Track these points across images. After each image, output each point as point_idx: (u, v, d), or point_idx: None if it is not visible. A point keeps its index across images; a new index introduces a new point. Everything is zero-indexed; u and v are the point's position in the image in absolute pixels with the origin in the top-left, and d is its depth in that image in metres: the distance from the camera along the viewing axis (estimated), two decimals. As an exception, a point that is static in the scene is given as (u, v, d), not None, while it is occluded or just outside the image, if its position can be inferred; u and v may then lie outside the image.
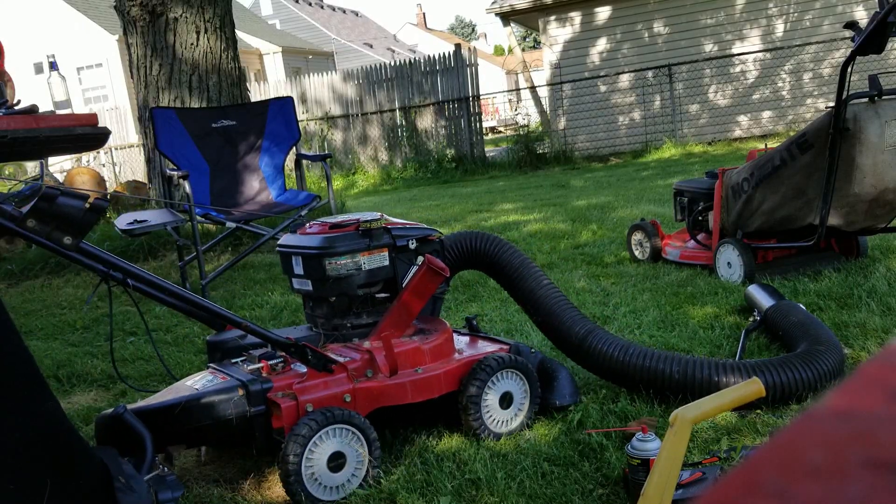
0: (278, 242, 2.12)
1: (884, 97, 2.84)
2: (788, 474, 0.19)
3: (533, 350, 2.15)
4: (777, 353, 2.31)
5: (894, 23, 2.61)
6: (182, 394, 1.77)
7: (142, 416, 1.71)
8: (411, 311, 1.94)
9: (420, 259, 2.01)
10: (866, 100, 2.84)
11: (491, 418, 1.94)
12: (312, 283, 1.99)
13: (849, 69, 2.79)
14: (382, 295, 2.05)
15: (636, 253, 3.88)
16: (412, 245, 2.04)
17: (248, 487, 1.82)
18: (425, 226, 2.13)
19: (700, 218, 3.59)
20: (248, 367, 1.85)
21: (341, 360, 1.84)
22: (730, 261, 3.27)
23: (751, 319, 2.59)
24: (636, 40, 11.54)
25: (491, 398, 1.93)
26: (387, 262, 2.00)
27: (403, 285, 1.98)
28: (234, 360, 1.93)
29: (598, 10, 11.62)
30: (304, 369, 1.83)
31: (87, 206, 1.48)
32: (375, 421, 1.81)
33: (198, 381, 1.83)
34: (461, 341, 2.12)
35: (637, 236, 3.88)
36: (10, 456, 1.26)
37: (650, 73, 11.34)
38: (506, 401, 1.96)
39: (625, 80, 11.55)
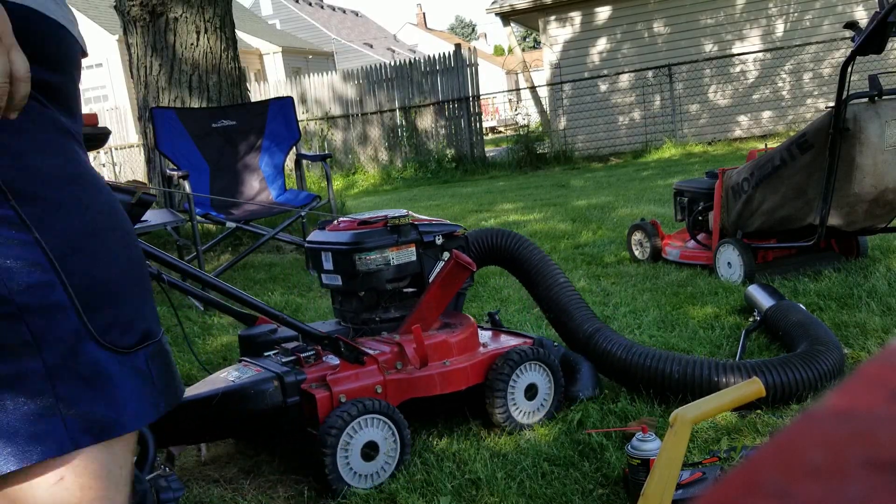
0: (307, 239, 2.16)
1: (884, 97, 2.84)
2: (788, 474, 0.19)
3: (556, 344, 2.19)
4: (777, 353, 2.31)
5: (894, 23, 2.61)
6: (218, 386, 1.79)
7: (179, 408, 1.74)
8: (439, 304, 1.99)
9: (446, 254, 2.05)
10: (866, 100, 2.84)
11: (517, 409, 1.97)
12: (342, 278, 2.03)
13: (849, 69, 2.80)
14: (410, 289, 2.09)
15: (636, 253, 3.88)
16: (439, 241, 2.08)
17: (248, 487, 1.82)
18: (450, 222, 2.17)
19: (700, 218, 3.59)
20: (282, 360, 1.88)
21: (372, 352, 1.88)
22: (730, 261, 3.27)
23: (751, 320, 2.59)
24: (636, 40, 11.55)
25: (516, 390, 1.96)
26: (414, 258, 2.04)
27: (431, 280, 2.02)
28: (266, 353, 1.97)
29: (598, 10, 11.63)
30: (334, 361, 1.86)
31: (134, 200, 1.50)
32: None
33: (232, 374, 1.86)
34: (485, 335, 2.17)
35: (637, 236, 3.88)
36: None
37: (650, 73, 11.35)
38: (531, 392, 1.99)
39: (625, 80, 11.56)
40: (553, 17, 11.89)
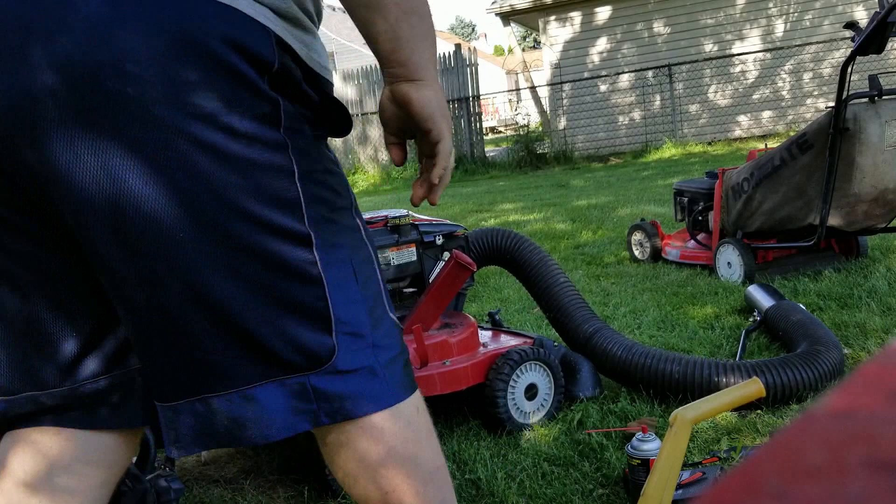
0: None
1: (884, 97, 2.84)
2: (788, 474, 0.19)
3: (556, 344, 2.18)
4: (777, 353, 2.31)
5: (894, 23, 2.61)
6: None
7: None
8: (440, 304, 1.99)
9: (446, 254, 2.05)
10: (866, 100, 2.84)
11: (517, 409, 1.97)
12: None
13: (849, 69, 2.80)
14: (410, 289, 2.09)
15: (636, 253, 3.88)
16: (439, 241, 2.08)
17: (248, 487, 1.82)
18: (450, 222, 2.16)
19: (700, 218, 3.59)
20: None
21: None
22: (730, 261, 3.27)
23: (751, 320, 2.59)
24: (636, 40, 11.55)
25: (517, 390, 1.96)
26: (414, 258, 2.05)
27: (431, 280, 2.02)
28: None
29: (598, 9, 11.63)
30: None
31: None
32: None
33: None
34: (485, 335, 2.16)
35: (637, 236, 3.88)
36: None
37: (650, 73, 11.35)
38: (531, 392, 1.99)
39: (625, 80, 11.56)
40: (553, 17, 11.90)
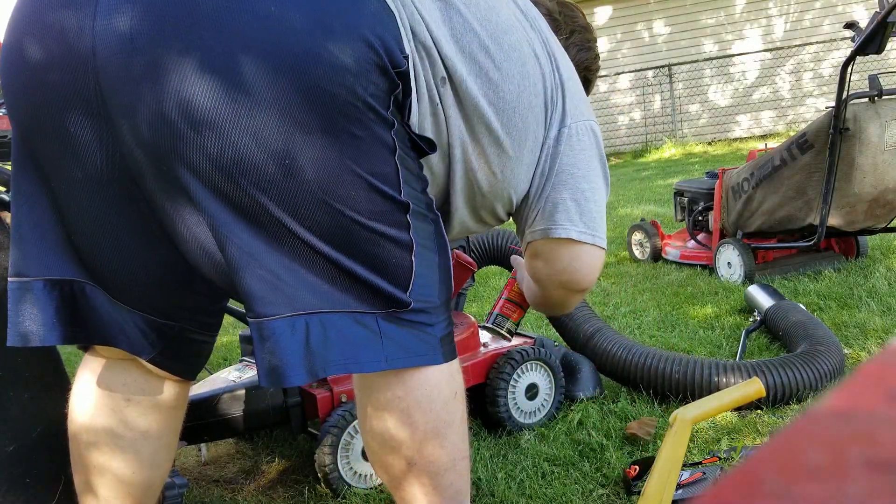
0: None
1: (884, 97, 2.84)
2: (788, 474, 0.19)
3: (556, 344, 2.18)
4: (777, 353, 2.31)
5: (894, 23, 2.61)
6: (219, 386, 1.78)
7: None
8: None
9: None
10: (866, 100, 2.84)
11: (518, 409, 1.97)
12: None
13: (849, 69, 2.80)
14: None
15: (636, 253, 3.88)
16: None
17: (248, 487, 1.82)
18: None
19: (700, 218, 3.59)
20: None
21: None
22: (730, 261, 3.27)
23: (751, 320, 2.59)
24: (636, 40, 11.55)
25: (517, 390, 1.96)
26: None
27: None
28: None
29: (597, 10, 11.63)
30: None
31: None
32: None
33: (233, 374, 1.85)
34: (486, 335, 2.15)
35: (637, 236, 3.88)
36: (27, 450, 1.27)
37: (650, 73, 11.34)
38: (531, 392, 1.99)
39: (625, 80, 11.55)
40: (553, 17, 11.88)
